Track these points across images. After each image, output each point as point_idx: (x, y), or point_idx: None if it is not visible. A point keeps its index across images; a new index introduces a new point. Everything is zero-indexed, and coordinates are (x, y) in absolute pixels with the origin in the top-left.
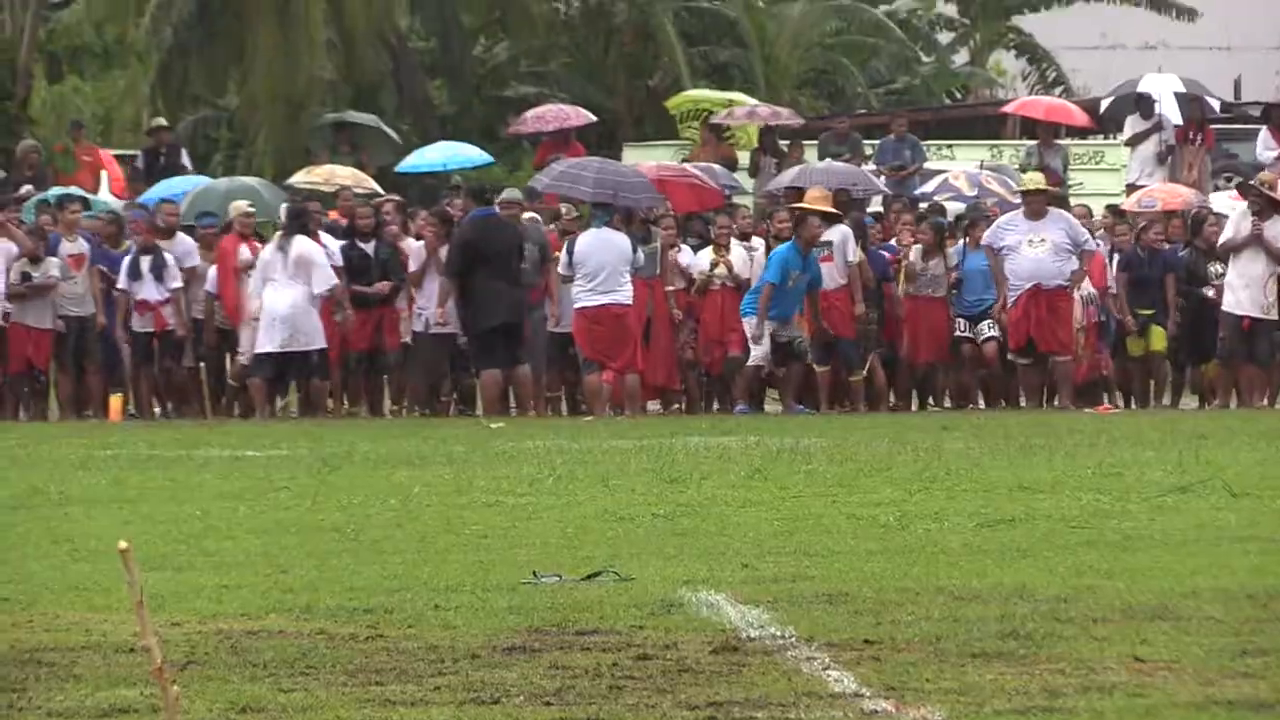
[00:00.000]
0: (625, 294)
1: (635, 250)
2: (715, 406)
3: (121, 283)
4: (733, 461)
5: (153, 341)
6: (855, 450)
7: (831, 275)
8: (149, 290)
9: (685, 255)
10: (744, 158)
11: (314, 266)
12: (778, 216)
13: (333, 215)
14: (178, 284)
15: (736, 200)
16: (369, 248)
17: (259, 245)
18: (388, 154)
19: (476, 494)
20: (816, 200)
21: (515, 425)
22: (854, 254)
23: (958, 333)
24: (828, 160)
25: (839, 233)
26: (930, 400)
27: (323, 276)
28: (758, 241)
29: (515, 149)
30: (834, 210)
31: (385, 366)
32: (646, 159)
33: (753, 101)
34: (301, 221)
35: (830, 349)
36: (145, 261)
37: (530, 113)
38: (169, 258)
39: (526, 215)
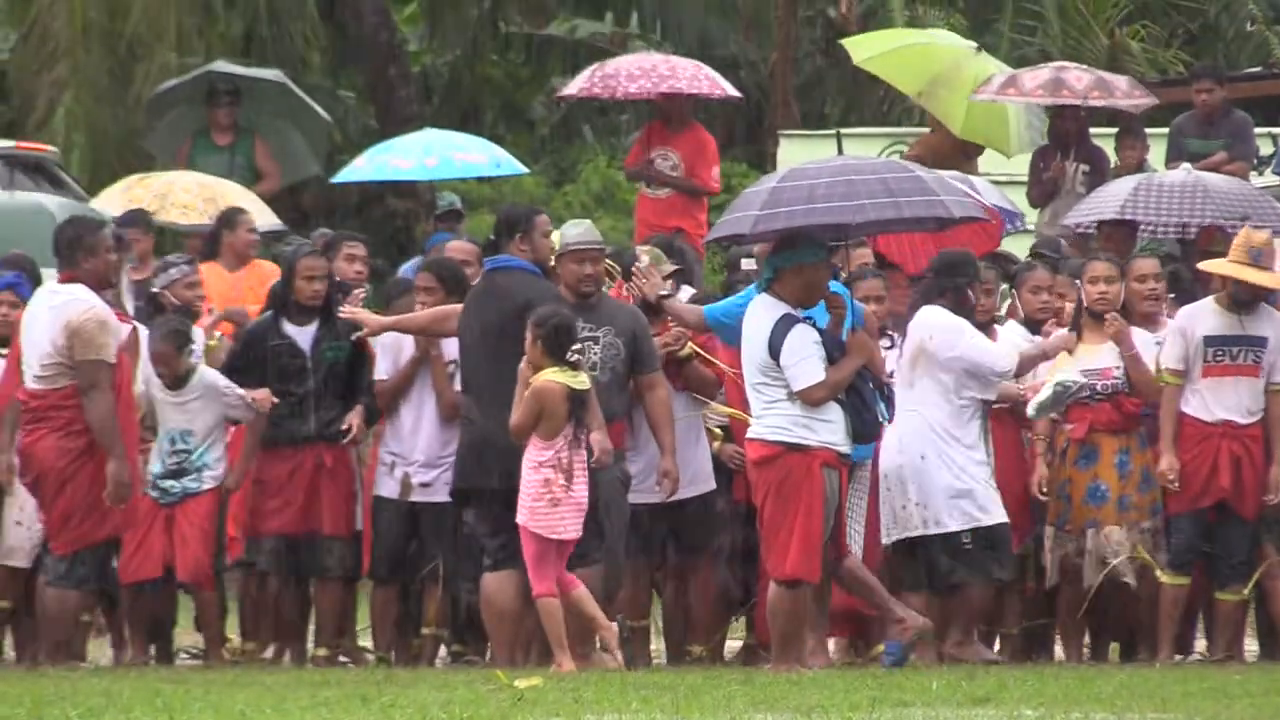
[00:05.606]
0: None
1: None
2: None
3: None
4: None
5: None
6: None
7: None
8: None
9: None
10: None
11: None
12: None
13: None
14: None
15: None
16: (307, 331)
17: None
18: (306, 152)
19: None
20: (1261, 245)
21: (563, 685)
22: None
23: None
24: (1187, 168)
25: None
26: None
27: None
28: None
29: (562, 144)
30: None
31: (317, 565)
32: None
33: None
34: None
35: None
36: None
37: (598, 68)
38: None
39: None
